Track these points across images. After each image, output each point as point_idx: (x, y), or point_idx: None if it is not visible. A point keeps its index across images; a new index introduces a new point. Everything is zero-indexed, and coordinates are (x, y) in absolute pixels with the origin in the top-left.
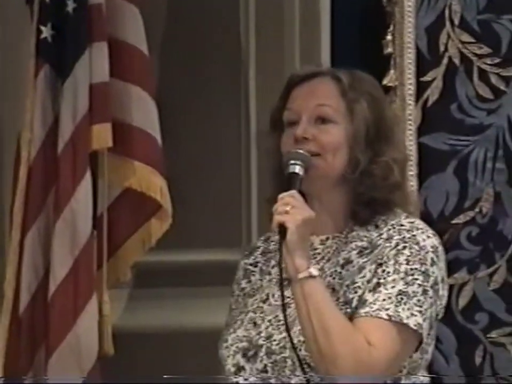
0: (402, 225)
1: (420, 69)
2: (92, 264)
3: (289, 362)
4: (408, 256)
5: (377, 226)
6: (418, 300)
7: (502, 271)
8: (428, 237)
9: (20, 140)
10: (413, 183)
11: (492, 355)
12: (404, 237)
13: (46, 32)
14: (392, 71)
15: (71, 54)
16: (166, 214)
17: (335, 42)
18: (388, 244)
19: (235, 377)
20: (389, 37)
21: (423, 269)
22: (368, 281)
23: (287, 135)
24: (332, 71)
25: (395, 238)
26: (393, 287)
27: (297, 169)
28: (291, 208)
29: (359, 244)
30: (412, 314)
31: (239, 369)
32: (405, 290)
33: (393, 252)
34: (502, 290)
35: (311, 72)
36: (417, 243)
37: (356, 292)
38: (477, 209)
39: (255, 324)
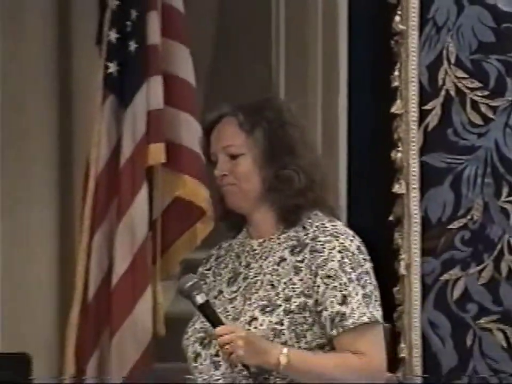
0: (326, 227)
1: (422, 99)
2: (148, 260)
3: None
4: (350, 264)
5: (304, 228)
6: (375, 296)
7: (489, 268)
8: (351, 240)
9: (88, 158)
10: (415, 195)
11: (480, 338)
12: (334, 246)
13: (112, 67)
14: (398, 101)
15: (132, 86)
16: (209, 219)
17: (352, 76)
18: (320, 248)
19: (194, 364)
20: (396, 73)
21: (364, 269)
22: (311, 295)
23: (216, 176)
24: (232, 109)
25: (321, 239)
26: (356, 293)
27: (199, 298)
28: (235, 347)
29: (290, 243)
30: (377, 310)
31: (197, 355)
32: (364, 293)
33: (336, 263)
34: (489, 285)
35: (218, 115)
36: (349, 250)
37: (294, 290)
38: (469, 217)
39: None
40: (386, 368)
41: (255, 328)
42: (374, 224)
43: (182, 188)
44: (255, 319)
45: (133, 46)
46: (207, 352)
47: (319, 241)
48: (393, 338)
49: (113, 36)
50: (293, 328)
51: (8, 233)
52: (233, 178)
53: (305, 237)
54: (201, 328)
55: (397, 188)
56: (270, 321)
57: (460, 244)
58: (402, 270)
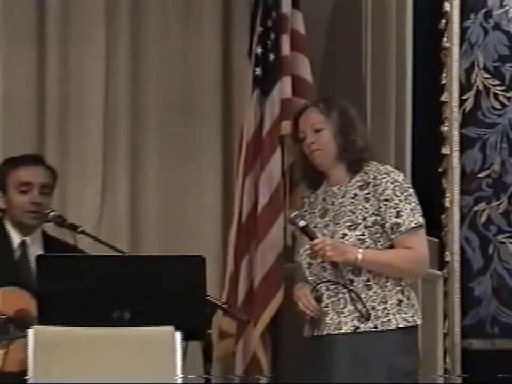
0: (379, 169)
1: (461, 92)
2: (280, 197)
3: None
4: (399, 190)
5: (365, 173)
6: (418, 209)
7: (505, 203)
8: (398, 175)
9: (242, 130)
10: (456, 155)
11: (498, 249)
12: (388, 180)
13: (258, 71)
14: (446, 93)
15: (271, 83)
16: None
17: (416, 78)
18: (379, 183)
19: (308, 271)
20: (444, 75)
21: (408, 193)
22: (379, 213)
23: (305, 146)
24: (313, 102)
25: (378, 178)
26: (405, 209)
27: (302, 223)
28: (325, 251)
29: (358, 184)
30: (420, 218)
31: (310, 265)
32: (411, 207)
33: (390, 191)
34: (504, 214)
35: (304, 106)
36: (397, 181)
37: (367, 213)
38: (491, 169)
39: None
40: (433, 267)
41: (347, 240)
42: (430, 174)
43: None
44: (346, 234)
45: (271, 57)
46: (316, 262)
47: (377, 179)
48: (441, 249)
49: (259, 50)
50: (371, 237)
51: (185, 176)
52: (318, 145)
53: (367, 177)
54: (308, 247)
55: (444, 150)
56: (356, 235)
57: (485, 186)
58: (447, 204)
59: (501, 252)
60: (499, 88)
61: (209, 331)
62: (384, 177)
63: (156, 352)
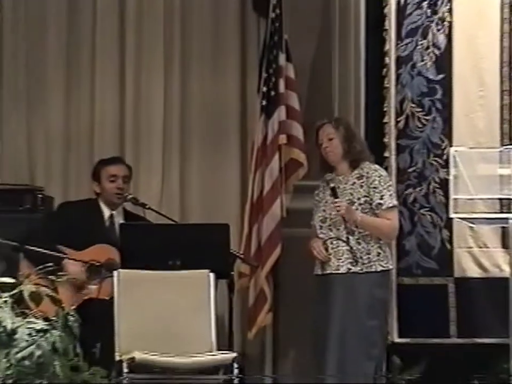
0: (371, 167)
1: (396, 116)
2: (278, 184)
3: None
4: (383, 181)
5: (361, 168)
6: (394, 195)
7: (425, 189)
8: (382, 171)
9: (253, 139)
10: (393, 157)
11: (421, 218)
12: (376, 174)
13: (264, 102)
14: (387, 117)
15: (272, 110)
16: (304, 168)
17: (368, 107)
18: (370, 176)
19: (321, 224)
20: (385, 104)
21: (389, 183)
22: (368, 195)
23: (322, 149)
24: (328, 120)
25: (370, 173)
26: (386, 194)
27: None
28: (341, 208)
29: (356, 175)
30: (396, 200)
31: (321, 226)
32: (389, 193)
33: (377, 182)
34: (425, 196)
35: (322, 123)
36: (382, 175)
37: (361, 194)
38: (416, 166)
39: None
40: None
41: None
42: None
43: (293, 154)
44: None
45: (272, 93)
46: (325, 225)
47: (369, 173)
48: None
49: (264, 89)
50: (362, 211)
51: (216, 173)
52: (330, 149)
53: (362, 172)
54: (323, 210)
55: (386, 154)
56: (355, 207)
57: (412, 178)
58: None
59: (422, 220)
60: (421, 113)
61: (232, 272)
62: (373, 172)
63: (198, 286)
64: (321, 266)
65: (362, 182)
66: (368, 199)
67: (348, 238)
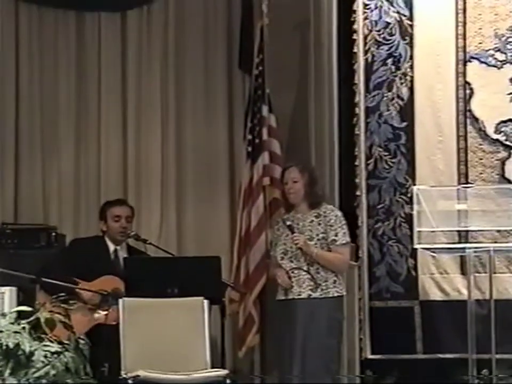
0: (327, 207)
1: (366, 159)
2: (264, 220)
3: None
4: (338, 221)
5: (319, 208)
6: (347, 233)
7: (392, 223)
8: (338, 212)
9: (241, 182)
10: (364, 195)
11: (389, 249)
12: (332, 214)
13: (249, 149)
14: (358, 160)
15: (257, 156)
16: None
17: (342, 152)
18: (327, 215)
19: (281, 260)
20: (356, 149)
21: (343, 223)
22: (325, 232)
23: (286, 188)
24: (295, 164)
25: (327, 213)
26: (340, 232)
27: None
28: (299, 241)
29: (315, 214)
30: (348, 237)
31: (282, 258)
32: (343, 231)
33: (333, 221)
34: (393, 229)
35: (289, 165)
36: (337, 215)
37: (319, 231)
38: (384, 203)
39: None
40: (352, 260)
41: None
42: (350, 206)
43: (275, 194)
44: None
45: (257, 141)
46: (287, 257)
47: (326, 213)
48: (356, 249)
49: (249, 137)
50: (320, 246)
51: (208, 212)
52: (293, 190)
53: (320, 211)
54: (284, 244)
55: (358, 192)
56: (314, 244)
57: (381, 213)
58: (359, 223)
59: (390, 251)
60: (388, 157)
61: (223, 299)
62: (330, 212)
63: (194, 312)
64: (284, 293)
65: (320, 220)
66: (325, 235)
67: (308, 268)
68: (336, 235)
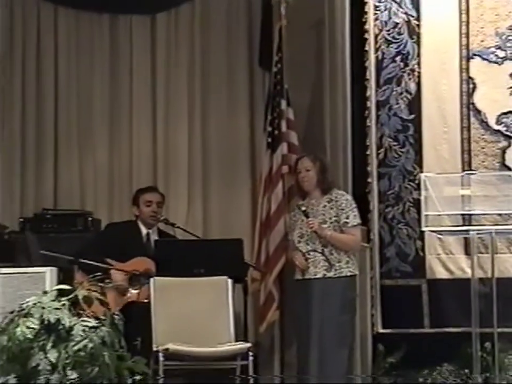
0: (338, 192)
1: (377, 149)
2: (283, 205)
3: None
4: (350, 204)
5: (331, 193)
6: (358, 215)
7: (401, 208)
8: (349, 196)
9: (261, 172)
10: (375, 182)
11: (398, 232)
12: (343, 199)
13: (269, 140)
14: (369, 150)
15: (276, 146)
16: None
17: (354, 143)
18: (338, 200)
19: (299, 244)
20: (367, 139)
21: (354, 206)
22: (337, 216)
23: (299, 177)
24: (307, 154)
25: (338, 197)
26: (351, 215)
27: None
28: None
29: (327, 199)
30: (359, 219)
31: (299, 241)
32: (354, 214)
33: (344, 204)
34: (402, 213)
35: (302, 155)
36: (348, 199)
37: (331, 215)
38: (394, 190)
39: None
40: (364, 242)
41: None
42: (362, 193)
43: (293, 181)
44: (322, 225)
45: (276, 132)
46: (303, 239)
47: (337, 198)
48: (368, 232)
49: (269, 129)
50: (334, 227)
51: (231, 200)
52: (306, 178)
53: (331, 197)
54: (300, 228)
55: (369, 180)
56: (327, 227)
57: (391, 199)
58: (371, 208)
59: (400, 233)
60: (397, 147)
61: (246, 278)
62: (341, 197)
63: (219, 290)
64: (301, 273)
65: (332, 205)
66: (337, 218)
67: (323, 250)
68: (347, 217)
